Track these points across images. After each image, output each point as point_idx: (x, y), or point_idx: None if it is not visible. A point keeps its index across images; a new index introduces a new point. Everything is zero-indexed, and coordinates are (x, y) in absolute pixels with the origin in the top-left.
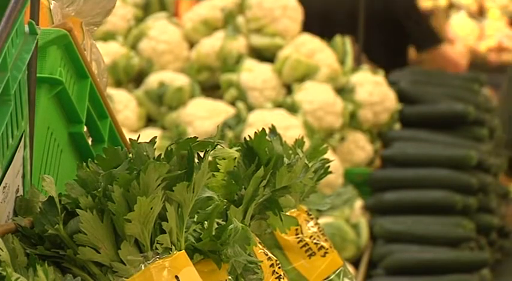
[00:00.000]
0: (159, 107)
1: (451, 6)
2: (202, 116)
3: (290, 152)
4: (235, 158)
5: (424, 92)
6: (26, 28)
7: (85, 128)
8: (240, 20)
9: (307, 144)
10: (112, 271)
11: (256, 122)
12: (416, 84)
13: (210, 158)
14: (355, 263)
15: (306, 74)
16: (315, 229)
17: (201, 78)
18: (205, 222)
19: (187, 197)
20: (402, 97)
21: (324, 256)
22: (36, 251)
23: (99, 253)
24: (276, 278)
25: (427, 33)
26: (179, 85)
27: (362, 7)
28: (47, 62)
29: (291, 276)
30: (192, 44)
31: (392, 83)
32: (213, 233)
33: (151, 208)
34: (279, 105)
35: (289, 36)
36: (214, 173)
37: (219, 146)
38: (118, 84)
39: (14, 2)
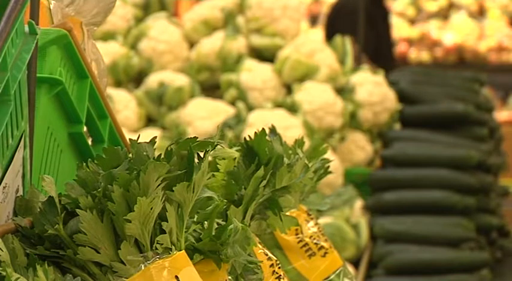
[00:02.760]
0: (159, 107)
1: (452, 6)
2: (202, 116)
3: (290, 152)
4: (235, 158)
5: (424, 92)
6: (26, 28)
7: (85, 128)
8: (240, 20)
9: (307, 144)
10: (112, 271)
11: (256, 122)
12: (416, 84)
13: (210, 158)
14: (355, 263)
15: (306, 74)
16: (315, 229)
17: (201, 78)
18: (205, 222)
19: (187, 197)
20: (402, 97)
21: (324, 256)
22: (36, 251)
23: (99, 253)
24: (276, 278)
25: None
26: (179, 85)
27: (362, 7)
28: (47, 62)
29: (290, 276)
30: (192, 44)
31: (392, 83)
32: (213, 233)
33: (151, 208)
34: (279, 105)
35: (289, 36)
36: (214, 173)
37: (219, 146)
38: (118, 84)
39: (13, 2)
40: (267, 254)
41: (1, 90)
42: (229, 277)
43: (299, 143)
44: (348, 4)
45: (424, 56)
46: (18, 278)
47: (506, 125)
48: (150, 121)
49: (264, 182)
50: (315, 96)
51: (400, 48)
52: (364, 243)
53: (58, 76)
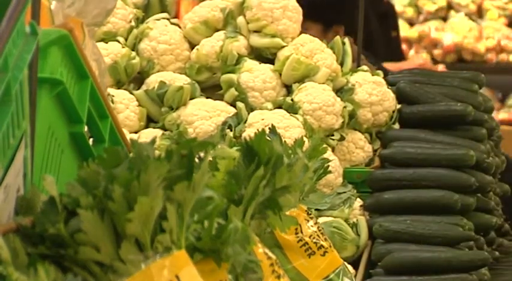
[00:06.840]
0: (160, 107)
1: (450, 7)
2: (202, 116)
3: (290, 151)
4: (235, 157)
5: (423, 92)
6: (27, 28)
7: (86, 128)
8: (241, 20)
9: (306, 144)
10: (112, 270)
11: (256, 122)
12: (415, 85)
13: (210, 158)
14: (355, 263)
15: (306, 74)
16: (315, 229)
17: (201, 78)
18: (206, 221)
19: (188, 196)
20: (401, 97)
21: (323, 255)
22: (37, 251)
23: (100, 252)
24: (275, 277)
25: (397, 48)
26: (179, 85)
27: (362, 7)
28: (48, 62)
29: (290, 275)
30: (192, 45)
31: (391, 83)
32: (213, 233)
33: (151, 208)
34: (279, 105)
35: (289, 36)
36: (215, 172)
37: (219, 146)
38: (119, 84)
39: (15, 2)
40: (266, 254)
41: (2, 91)
42: (229, 276)
43: (299, 143)
44: None
45: (423, 56)
46: (19, 277)
47: (505, 125)
48: (150, 121)
49: (264, 181)
50: (315, 96)
51: None
52: (363, 242)
53: (59, 76)
